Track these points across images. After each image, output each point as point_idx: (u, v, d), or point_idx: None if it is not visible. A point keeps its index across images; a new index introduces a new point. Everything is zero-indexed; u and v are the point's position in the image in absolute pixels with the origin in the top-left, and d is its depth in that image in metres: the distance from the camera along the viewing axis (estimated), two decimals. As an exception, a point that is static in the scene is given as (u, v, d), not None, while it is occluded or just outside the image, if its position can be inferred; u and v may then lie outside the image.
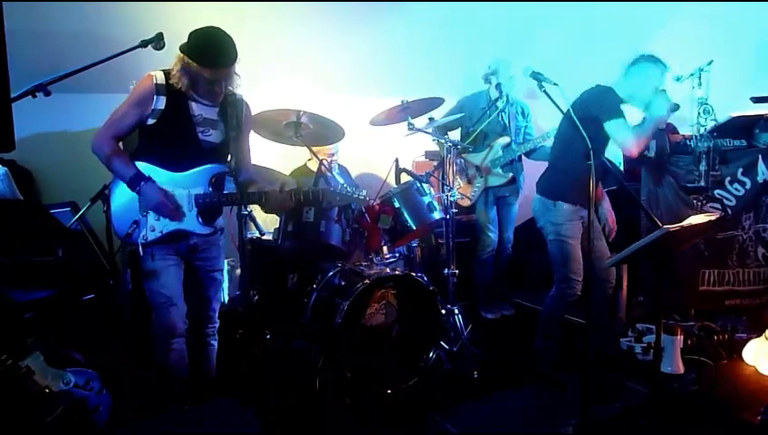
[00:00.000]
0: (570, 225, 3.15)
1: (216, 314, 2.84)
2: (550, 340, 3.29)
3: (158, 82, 2.42)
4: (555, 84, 2.72)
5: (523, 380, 3.19)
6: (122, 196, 2.50)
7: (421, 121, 3.70)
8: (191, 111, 2.49)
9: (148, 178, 2.44)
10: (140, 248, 2.45)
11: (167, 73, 2.44)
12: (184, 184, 2.53)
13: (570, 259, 3.14)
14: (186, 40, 2.39)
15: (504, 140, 4.20)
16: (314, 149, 3.48)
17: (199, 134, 2.52)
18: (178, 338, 2.59)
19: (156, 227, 2.49)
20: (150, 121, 2.45)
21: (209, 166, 2.56)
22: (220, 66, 2.39)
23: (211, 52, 2.37)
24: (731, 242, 3.91)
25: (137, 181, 2.42)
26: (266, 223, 3.71)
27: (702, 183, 3.78)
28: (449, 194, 3.49)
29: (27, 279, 2.97)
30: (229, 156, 2.62)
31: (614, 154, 4.83)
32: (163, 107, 2.43)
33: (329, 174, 3.43)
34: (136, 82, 2.51)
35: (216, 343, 2.86)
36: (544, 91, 2.70)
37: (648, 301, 3.99)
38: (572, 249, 3.13)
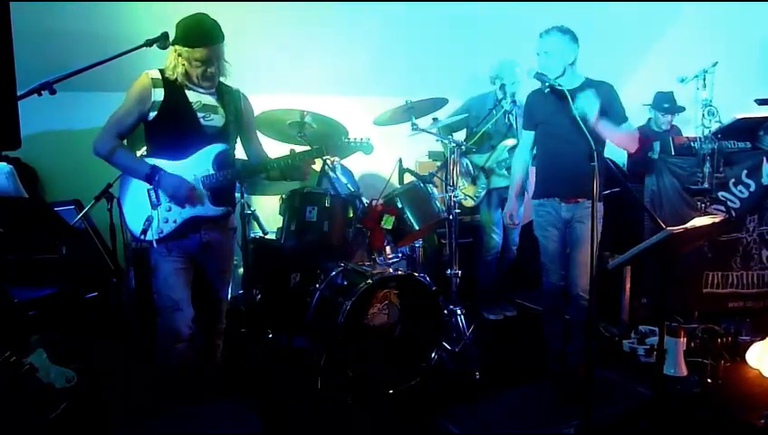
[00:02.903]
0: (537, 218, 3.24)
1: (223, 315, 2.85)
2: (553, 330, 3.29)
3: (154, 76, 2.49)
4: (559, 85, 2.72)
5: (525, 380, 3.18)
6: (132, 196, 2.51)
7: (425, 122, 3.70)
8: (189, 98, 2.54)
9: (163, 169, 2.48)
10: (155, 244, 2.47)
11: (161, 70, 2.51)
12: (189, 169, 2.54)
13: (542, 249, 3.23)
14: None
15: (510, 142, 4.18)
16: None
17: (201, 119, 2.56)
18: (182, 343, 2.58)
19: (169, 217, 2.51)
20: (152, 115, 2.49)
21: (210, 146, 2.58)
22: (208, 44, 2.45)
23: (198, 32, 2.44)
24: (735, 244, 3.89)
25: (154, 173, 2.45)
26: (269, 222, 3.72)
27: (706, 185, 3.77)
28: (453, 194, 3.49)
29: (31, 277, 2.98)
30: (233, 141, 2.66)
31: (618, 155, 4.84)
32: (162, 98, 2.48)
33: (332, 174, 3.43)
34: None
35: (220, 344, 2.86)
36: (547, 92, 2.70)
37: (651, 303, 3.98)
38: (543, 240, 3.22)
